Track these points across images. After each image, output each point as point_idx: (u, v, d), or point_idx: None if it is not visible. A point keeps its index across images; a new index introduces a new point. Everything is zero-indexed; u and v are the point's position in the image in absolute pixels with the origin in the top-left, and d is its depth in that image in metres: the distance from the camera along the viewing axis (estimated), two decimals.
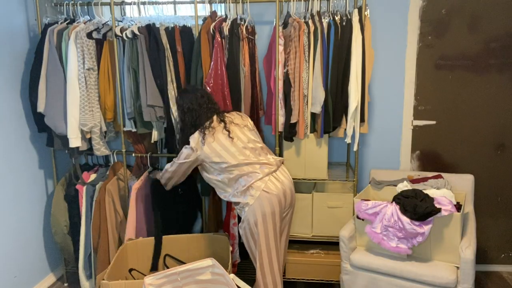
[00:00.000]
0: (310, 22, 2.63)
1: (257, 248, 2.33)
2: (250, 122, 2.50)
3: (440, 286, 2.33)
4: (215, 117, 2.40)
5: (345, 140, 2.68)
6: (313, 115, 2.70)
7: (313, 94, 2.64)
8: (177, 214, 2.90)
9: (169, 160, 3.00)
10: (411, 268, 2.40)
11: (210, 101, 2.44)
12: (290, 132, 2.69)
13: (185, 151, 2.39)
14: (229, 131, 2.35)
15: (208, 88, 2.61)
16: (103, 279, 2.33)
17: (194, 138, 2.35)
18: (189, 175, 2.57)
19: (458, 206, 2.48)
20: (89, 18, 2.87)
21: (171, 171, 2.50)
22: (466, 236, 2.44)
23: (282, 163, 2.48)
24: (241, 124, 2.42)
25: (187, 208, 2.98)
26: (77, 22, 2.81)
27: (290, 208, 2.46)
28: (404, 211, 2.38)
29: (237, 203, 2.34)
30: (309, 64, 2.64)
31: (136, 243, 2.78)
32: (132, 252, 2.77)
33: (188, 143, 2.38)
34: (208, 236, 2.86)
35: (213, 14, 2.75)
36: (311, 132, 2.72)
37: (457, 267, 2.37)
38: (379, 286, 2.50)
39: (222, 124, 2.38)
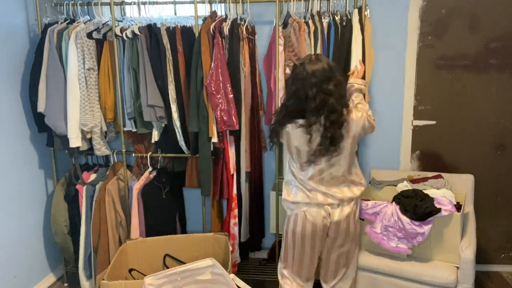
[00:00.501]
0: (310, 22, 2.63)
1: (283, 249, 2.36)
2: (356, 127, 2.12)
3: (440, 286, 2.33)
4: (317, 120, 2.04)
5: None
6: None
7: None
8: (161, 217, 2.91)
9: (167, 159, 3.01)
10: (411, 268, 2.40)
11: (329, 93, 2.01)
12: None
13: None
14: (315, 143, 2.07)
15: (211, 89, 2.60)
16: (103, 279, 2.33)
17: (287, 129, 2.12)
18: (175, 182, 2.53)
19: (458, 206, 2.48)
20: (89, 18, 2.87)
21: None
22: (466, 236, 2.44)
23: (353, 200, 2.22)
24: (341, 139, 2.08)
25: (171, 212, 3.02)
26: (77, 22, 2.81)
27: (344, 236, 2.25)
28: (404, 211, 2.38)
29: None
30: None
31: (136, 243, 2.78)
32: (132, 252, 2.77)
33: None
34: (208, 236, 2.86)
35: (213, 14, 2.75)
36: None
37: (457, 267, 2.37)
38: (379, 286, 2.50)
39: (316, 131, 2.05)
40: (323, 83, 1.99)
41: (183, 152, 2.89)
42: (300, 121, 2.08)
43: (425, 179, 2.80)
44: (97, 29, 2.78)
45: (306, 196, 2.19)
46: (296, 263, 2.32)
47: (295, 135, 2.12)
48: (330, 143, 2.03)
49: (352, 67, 2.58)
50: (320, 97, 1.99)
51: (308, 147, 2.10)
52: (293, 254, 2.31)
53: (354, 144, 2.17)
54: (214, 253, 2.77)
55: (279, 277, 2.41)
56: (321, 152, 2.07)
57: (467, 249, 2.32)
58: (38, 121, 2.84)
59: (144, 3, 2.80)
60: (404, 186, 2.65)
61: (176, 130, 2.80)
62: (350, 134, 2.11)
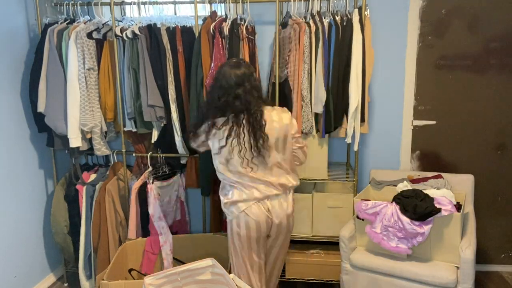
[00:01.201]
0: (311, 22, 2.63)
1: (234, 258, 2.28)
2: (287, 128, 2.16)
3: (440, 286, 2.33)
4: (238, 116, 2.09)
5: (346, 140, 2.68)
6: (315, 115, 2.70)
7: (315, 94, 2.64)
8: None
9: (169, 160, 3.01)
10: (411, 268, 2.40)
11: (248, 91, 2.08)
12: None
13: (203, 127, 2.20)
14: (239, 138, 2.07)
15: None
16: (103, 279, 2.33)
17: (204, 127, 2.16)
18: None
19: (458, 206, 2.48)
20: (89, 18, 2.87)
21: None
22: (466, 236, 2.44)
23: (290, 191, 2.24)
24: (269, 131, 2.11)
25: None
26: (77, 22, 2.81)
27: (277, 236, 2.25)
28: (404, 211, 2.38)
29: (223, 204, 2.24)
30: (310, 65, 2.64)
31: (136, 243, 2.79)
32: (132, 252, 2.77)
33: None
34: (208, 236, 2.86)
35: (213, 14, 2.75)
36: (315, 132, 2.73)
37: (457, 267, 2.37)
38: (379, 286, 2.50)
39: (237, 127, 2.08)
40: (235, 87, 2.07)
41: (178, 152, 2.89)
42: (220, 121, 2.11)
43: (425, 179, 2.80)
44: (97, 29, 2.78)
45: (243, 194, 2.14)
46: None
47: (215, 135, 2.14)
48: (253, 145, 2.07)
49: (353, 67, 2.58)
50: (229, 99, 2.07)
51: (229, 147, 2.10)
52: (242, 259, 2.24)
53: (282, 143, 2.16)
54: (214, 253, 2.77)
55: None
56: (243, 154, 2.09)
57: (467, 249, 2.32)
58: (38, 121, 2.84)
59: (144, 3, 2.80)
60: (404, 186, 2.65)
61: (175, 130, 2.80)
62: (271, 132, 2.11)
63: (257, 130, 2.07)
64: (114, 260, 2.54)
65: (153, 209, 2.77)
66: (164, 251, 2.77)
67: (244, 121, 2.08)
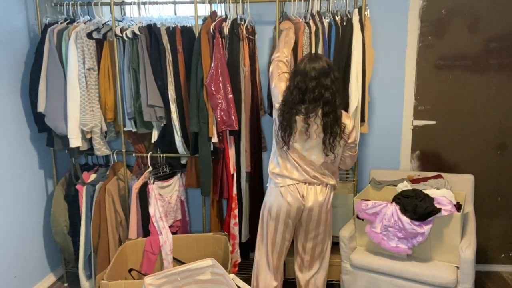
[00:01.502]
0: (311, 22, 2.63)
1: (260, 231, 2.43)
2: (349, 137, 2.28)
3: (440, 286, 2.33)
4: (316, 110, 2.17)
5: None
6: None
7: None
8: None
9: (169, 160, 3.01)
10: (411, 268, 2.40)
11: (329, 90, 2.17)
12: None
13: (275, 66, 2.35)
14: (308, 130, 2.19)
15: (211, 89, 2.60)
16: (103, 279, 2.33)
17: (282, 90, 2.25)
18: None
19: (458, 206, 2.49)
20: (89, 18, 2.87)
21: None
22: (466, 236, 2.44)
23: (327, 185, 2.32)
24: (336, 135, 2.20)
25: None
26: (77, 22, 2.81)
27: (315, 226, 2.35)
28: (404, 211, 2.39)
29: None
30: None
31: (136, 243, 2.78)
32: (132, 252, 2.77)
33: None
34: (208, 236, 2.86)
35: (213, 14, 2.75)
36: None
37: (457, 267, 2.37)
38: (379, 286, 2.50)
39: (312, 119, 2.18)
40: (321, 77, 2.14)
41: (178, 152, 2.89)
42: (301, 109, 2.18)
43: (425, 179, 2.80)
44: (97, 29, 2.78)
45: (285, 170, 2.28)
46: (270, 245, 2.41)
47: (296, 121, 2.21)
48: (327, 132, 2.18)
49: (353, 67, 2.58)
50: (318, 90, 2.13)
51: (305, 135, 2.20)
52: (267, 233, 2.39)
53: (341, 149, 2.30)
54: (214, 253, 2.77)
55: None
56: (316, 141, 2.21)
57: (467, 249, 2.32)
58: (38, 121, 2.85)
59: (144, 3, 2.80)
60: (404, 186, 2.65)
61: (175, 130, 2.80)
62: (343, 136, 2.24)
63: (333, 126, 2.17)
64: (114, 260, 2.54)
65: (154, 209, 2.77)
66: (164, 251, 2.77)
67: (324, 115, 2.16)
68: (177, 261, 2.81)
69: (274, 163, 2.34)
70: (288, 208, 2.28)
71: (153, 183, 2.80)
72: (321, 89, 2.13)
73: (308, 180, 2.27)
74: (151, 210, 2.77)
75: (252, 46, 2.79)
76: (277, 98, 2.27)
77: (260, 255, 2.45)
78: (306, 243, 2.41)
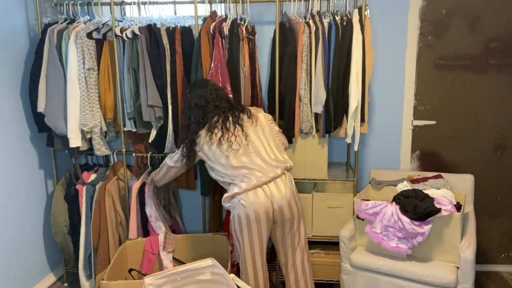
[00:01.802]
0: (311, 22, 2.63)
1: (241, 251, 2.31)
2: (263, 118, 2.39)
3: (440, 286, 2.33)
4: (220, 117, 2.31)
5: (346, 140, 2.68)
6: (315, 115, 2.70)
7: (314, 94, 2.64)
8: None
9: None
10: (411, 268, 2.40)
11: (219, 98, 2.36)
12: (288, 134, 2.70)
13: (177, 155, 2.44)
14: (227, 134, 2.27)
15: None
16: (103, 279, 2.33)
17: (201, 136, 2.30)
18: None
19: (458, 206, 2.48)
20: (89, 18, 2.87)
21: (162, 173, 2.58)
22: (466, 236, 2.44)
23: (288, 169, 2.34)
24: (248, 123, 2.33)
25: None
26: (77, 22, 2.81)
27: (289, 220, 2.30)
28: (404, 211, 2.38)
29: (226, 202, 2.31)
30: (310, 65, 2.64)
31: (136, 243, 2.78)
32: (132, 252, 2.77)
33: (194, 141, 2.34)
34: (208, 236, 2.86)
35: (213, 14, 2.75)
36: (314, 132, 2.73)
37: (457, 267, 2.37)
38: (379, 286, 2.50)
39: (222, 126, 2.29)
40: (216, 89, 2.39)
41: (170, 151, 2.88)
42: (206, 127, 2.31)
43: (425, 179, 2.80)
44: (97, 29, 2.78)
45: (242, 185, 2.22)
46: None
47: (206, 141, 2.30)
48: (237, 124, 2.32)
49: (353, 67, 2.58)
50: (218, 97, 2.36)
51: (225, 144, 2.27)
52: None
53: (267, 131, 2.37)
54: (214, 253, 2.77)
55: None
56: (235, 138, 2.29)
57: (467, 249, 2.32)
58: (38, 121, 2.85)
59: (144, 3, 2.80)
60: (404, 186, 2.65)
61: (168, 130, 2.78)
62: (258, 122, 2.36)
63: (238, 118, 2.33)
64: (114, 260, 2.54)
65: (150, 209, 2.76)
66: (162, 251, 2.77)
67: (229, 118, 2.32)
68: (177, 261, 2.81)
69: (232, 187, 2.25)
70: (265, 208, 2.21)
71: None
72: (219, 99, 2.35)
73: (271, 175, 2.23)
74: (147, 210, 2.77)
75: (252, 46, 2.79)
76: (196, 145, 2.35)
77: (247, 274, 2.32)
78: (285, 239, 2.36)
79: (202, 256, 2.64)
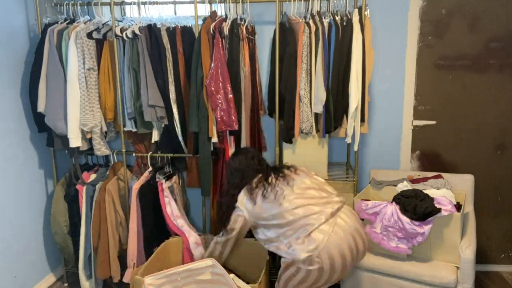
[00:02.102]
0: (311, 22, 2.63)
1: None
2: (306, 169, 2.29)
3: (440, 286, 2.33)
4: (261, 176, 2.20)
5: (346, 140, 2.68)
6: (315, 115, 2.70)
7: (314, 94, 2.64)
8: (158, 216, 2.90)
9: (169, 159, 3.01)
10: (411, 268, 2.40)
11: (260, 161, 2.31)
12: (288, 134, 2.70)
13: (233, 216, 2.20)
14: (270, 187, 2.13)
15: (211, 89, 2.60)
16: (137, 275, 2.30)
17: (240, 198, 2.18)
18: None
19: (458, 206, 2.48)
20: (89, 18, 2.87)
21: (221, 243, 2.31)
22: (466, 236, 2.44)
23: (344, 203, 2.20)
24: (291, 173, 2.21)
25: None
26: (77, 22, 2.81)
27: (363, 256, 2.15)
28: (404, 211, 2.38)
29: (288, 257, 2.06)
30: (310, 65, 2.64)
31: (177, 241, 2.77)
32: (176, 250, 2.76)
33: (233, 206, 2.21)
34: (209, 238, 2.86)
35: (213, 14, 2.75)
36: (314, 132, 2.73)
37: (457, 267, 2.37)
38: (380, 286, 2.50)
39: (263, 183, 2.17)
40: (258, 155, 2.36)
41: (183, 152, 2.90)
42: (245, 188, 2.20)
43: (425, 179, 2.80)
44: (97, 29, 2.78)
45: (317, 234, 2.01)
46: None
47: (246, 199, 2.17)
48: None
49: (353, 67, 2.58)
50: (259, 161, 2.31)
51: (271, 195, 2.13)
52: None
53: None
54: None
55: None
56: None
57: (467, 249, 2.32)
58: (38, 121, 2.84)
59: (144, 3, 2.80)
60: (404, 186, 2.65)
61: (177, 131, 2.80)
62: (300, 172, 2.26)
63: (280, 172, 2.22)
64: (153, 257, 2.52)
65: (171, 208, 2.76)
66: (191, 242, 2.76)
67: (271, 174, 2.22)
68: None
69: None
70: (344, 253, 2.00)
71: (165, 182, 2.80)
72: (259, 163, 2.29)
73: (333, 206, 2.08)
74: (168, 209, 2.77)
75: (252, 46, 2.79)
76: (251, 206, 2.16)
77: None
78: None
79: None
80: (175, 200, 2.92)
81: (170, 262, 2.74)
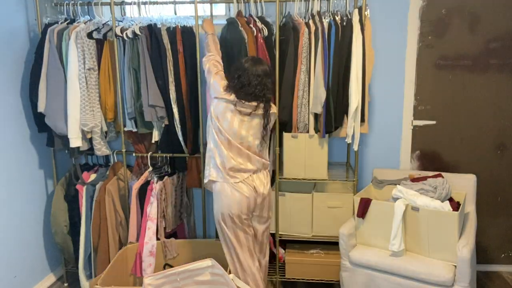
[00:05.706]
0: (310, 22, 2.63)
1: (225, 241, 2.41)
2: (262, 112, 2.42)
3: (437, 284, 2.33)
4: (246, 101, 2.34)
5: (346, 140, 2.68)
6: (316, 115, 2.70)
7: (314, 94, 2.64)
8: None
9: (168, 159, 3.01)
10: (408, 265, 2.41)
11: (262, 86, 2.34)
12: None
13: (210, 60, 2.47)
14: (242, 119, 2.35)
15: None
16: (96, 284, 2.27)
17: (223, 85, 2.36)
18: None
19: (458, 205, 2.48)
20: (89, 18, 2.87)
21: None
22: (464, 235, 2.44)
23: (266, 167, 2.48)
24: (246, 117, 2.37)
25: None
26: (77, 22, 2.81)
27: (259, 207, 2.45)
28: None
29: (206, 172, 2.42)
30: (309, 65, 2.64)
31: (137, 246, 2.77)
32: (133, 255, 2.74)
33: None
34: (209, 241, 2.86)
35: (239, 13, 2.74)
36: (314, 132, 2.73)
37: (455, 266, 2.37)
38: (377, 283, 2.50)
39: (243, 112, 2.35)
40: (264, 78, 2.34)
41: (183, 152, 2.90)
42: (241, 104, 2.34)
43: (425, 178, 2.80)
44: (97, 29, 2.78)
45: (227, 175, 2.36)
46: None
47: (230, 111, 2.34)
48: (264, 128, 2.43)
49: (353, 67, 2.58)
50: (260, 88, 2.32)
51: (239, 127, 2.34)
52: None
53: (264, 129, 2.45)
54: (214, 255, 2.74)
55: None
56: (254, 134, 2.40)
57: (464, 248, 2.32)
58: (38, 121, 2.85)
59: (144, 3, 2.80)
60: (399, 191, 2.60)
61: (177, 130, 2.80)
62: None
63: (270, 117, 2.42)
64: (112, 264, 2.50)
65: (150, 208, 2.75)
66: (146, 249, 2.74)
67: (262, 109, 2.37)
68: (170, 267, 2.76)
69: (223, 157, 2.34)
70: (248, 202, 2.34)
71: (156, 182, 2.79)
72: (263, 87, 2.32)
73: (256, 168, 2.39)
74: (148, 208, 2.75)
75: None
76: (218, 92, 2.35)
77: (233, 264, 2.40)
78: (258, 229, 2.51)
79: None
80: (166, 201, 2.91)
81: (128, 269, 2.72)
